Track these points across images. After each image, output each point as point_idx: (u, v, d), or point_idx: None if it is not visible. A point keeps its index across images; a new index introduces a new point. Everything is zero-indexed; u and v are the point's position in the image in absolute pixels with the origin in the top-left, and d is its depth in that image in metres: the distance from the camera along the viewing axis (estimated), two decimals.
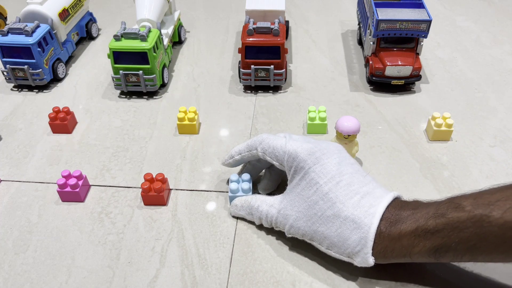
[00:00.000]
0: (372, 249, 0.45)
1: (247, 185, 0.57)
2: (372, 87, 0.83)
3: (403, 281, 0.50)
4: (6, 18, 1.06)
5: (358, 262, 0.46)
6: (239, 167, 0.64)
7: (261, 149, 0.54)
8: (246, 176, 0.59)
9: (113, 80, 0.79)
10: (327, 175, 0.48)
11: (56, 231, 0.57)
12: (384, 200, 0.47)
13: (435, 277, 0.50)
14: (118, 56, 0.77)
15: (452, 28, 1.03)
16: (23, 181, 0.65)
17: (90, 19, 1.00)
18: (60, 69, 0.86)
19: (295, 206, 0.50)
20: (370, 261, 0.45)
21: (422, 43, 0.79)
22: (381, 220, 0.45)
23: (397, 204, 0.47)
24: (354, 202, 0.46)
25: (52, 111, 0.73)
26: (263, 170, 0.62)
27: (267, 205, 0.53)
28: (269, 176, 0.60)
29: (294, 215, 0.50)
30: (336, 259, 0.49)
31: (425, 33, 0.76)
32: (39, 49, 0.80)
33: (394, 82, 0.79)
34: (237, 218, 0.58)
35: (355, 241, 0.46)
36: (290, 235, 0.52)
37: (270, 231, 0.56)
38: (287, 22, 0.97)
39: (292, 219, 0.50)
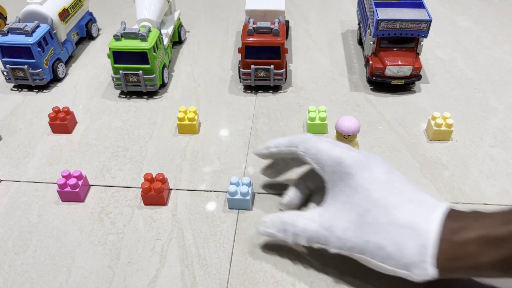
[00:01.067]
0: (434, 258, 0.40)
1: (246, 189, 0.57)
2: (372, 87, 0.83)
3: (403, 281, 0.50)
4: (6, 18, 1.06)
5: (417, 274, 0.41)
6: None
7: (303, 148, 0.51)
8: (246, 179, 0.59)
9: (113, 80, 0.79)
10: (377, 181, 0.45)
11: (56, 231, 0.57)
12: (440, 207, 0.43)
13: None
14: (118, 56, 0.77)
15: (452, 28, 1.03)
16: (23, 181, 0.65)
17: (90, 19, 1.00)
18: (60, 69, 0.86)
19: (342, 215, 0.46)
20: (431, 271, 0.40)
21: (422, 43, 0.79)
22: (441, 226, 0.41)
23: (454, 212, 0.43)
24: (409, 209, 0.43)
25: (52, 111, 0.73)
26: (289, 187, 0.58)
27: (304, 219, 0.48)
28: (296, 193, 0.57)
29: (341, 225, 0.45)
30: (336, 258, 0.48)
31: (425, 33, 0.76)
32: (39, 49, 0.80)
33: (394, 82, 0.79)
34: (237, 218, 0.58)
35: (414, 249, 0.41)
36: (336, 250, 0.46)
37: None
38: (287, 22, 0.97)
39: (339, 230, 0.45)
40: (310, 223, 0.47)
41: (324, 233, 0.46)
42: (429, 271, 0.40)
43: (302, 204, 0.58)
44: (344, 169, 0.47)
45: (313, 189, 0.58)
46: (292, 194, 0.57)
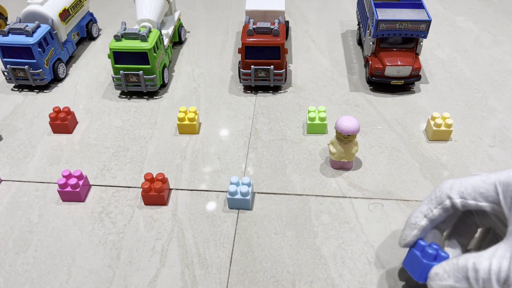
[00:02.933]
0: None
1: (246, 189, 0.57)
2: (371, 87, 0.83)
3: (403, 281, 0.50)
4: (6, 18, 1.06)
5: None
6: None
7: (457, 194, 0.42)
8: (246, 179, 0.59)
9: (114, 80, 0.79)
10: None
11: (57, 231, 0.57)
12: None
13: None
14: (118, 56, 0.77)
15: (452, 28, 1.03)
16: (24, 181, 0.65)
17: (90, 19, 1.00)
18: (61, 69, 0.87)
19: None
20: None
21: (421, 43, 0.79)
22: None
23: None
24: None
25: (52, 111, 0.73)
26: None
27: (488, 258, 0.39)
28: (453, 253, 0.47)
29: None
30: (336, 258, 0.49)
31: (424, 33, 0.77)
32: (39, 49, 0.80)
33: (393, 82, 0.79)
34: (237, 218, 0.58)
35: None
36: None
37: (268, 230, 0.56)
38: (287, 22, 0.97)
39: None
40: (501, 261, 0.38)
41: None
42: None
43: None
44: None
45: (468, 238, 0.48)
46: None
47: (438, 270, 0.42)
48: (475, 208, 0.41)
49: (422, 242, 0.44)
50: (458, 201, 0.42)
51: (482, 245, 0.47)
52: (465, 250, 0.47)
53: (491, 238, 0.47)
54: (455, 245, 0.47)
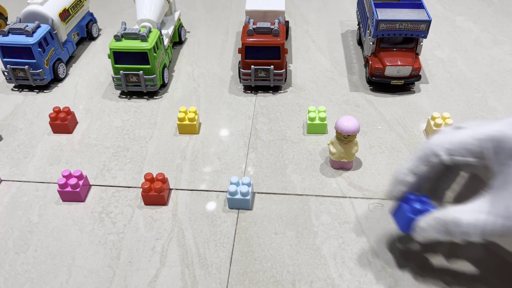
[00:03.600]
0: None
1: (246, 189, 0.57)
2: (371, 87, 0.83)
3: (403, 281, 0.50)
4: (6, 18, 1.06)
5: None
6: None
7: (445, 151, 0.42)
8: (246, 179, 0.59)
9: (114, 80, 0.79)
10: None
11: (57, 231, 0.57)
12: None
13: (435, 276, 0.50)
14: (118, 56, 0.77)
15: (452, 28, 1.03)
16: (24, 181, 0.65)
17: (90, 19, 1.00)
18: (61, 69, 0.87)
19: None
20: None
21: (421, 43, 0.79)
22: None
23: None
24: None
25: (52, 111, 0.73)
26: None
27: (469, 212, 0.41)
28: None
29: None
30: (336, 258, 0.49)
31: (424, 33, 0.77)
32: (39, 49, 0.80)
33: (393, 82, 0.79)
34: (237, 218, 0.58)
35: None
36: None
37: (268, 230, 0.56)
38: (287, 22, 0.97)
39: None
40: (480, 215, 0.40)
41: (503, 223, 0.39)
42: None
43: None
44: (511, 145, 0.39)
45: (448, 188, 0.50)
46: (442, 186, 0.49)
47: (422, 223, 0.44)
48: (463, 163, 0.42)
49: (410, 196, 0.46)
50: (446, 157, 0.42)
51: (467, 193, 0.48)
52: (444, 193, 0.49)
53: (477, 184, 0.47)
54: (436, 190, 0.48)
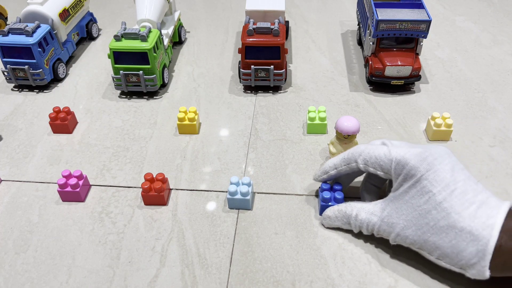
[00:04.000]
0: (490, 262, 0.43)
1: (246, 189, 0.57)
2: (371, 87, 0.83)
3: (403, 281, 0.50)
4: (6, 18, 1.06)
5: (472, 274, 0.44)
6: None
7: (362, 161, 0.52)
8: (246, 179, 0.59)
9: (114, 80, 0.79)
10: (441, 183, 0.45)
11: (57, 231, 0.57)
12: (501, 211, 0.44)
13: (435, 276, 0.50)
14: (118, 56, 0.77)
15: (452, 28, 1.03)
16: (24, 181, 0.65)
17: (90, 19, 1.00)
18: (61, 69, 0.87)
19: (402, 214, 0.48)
20: (487, 274, 0.43)
21: (421, 43, 0.79)
22: (501, 232, 0.43)
23: None
24: (470, 213, 0.44)
25: (52, 111, 0.73)
26: (361, 193, 0.59)
27: (366, 213, 0.51)
28: (368, 197, 0.58)
29: (402, 223, 0.48)
30: (336, 258, 0.49)
31: (424, 33, 0.77)
32: (39, 49, 0.80)
33: (393, 82, 0.79)
34: (237, 218, 0.58)
35: (471, 254, 0.43)
36: (395, 243, 0.50)
37: (268, 230, 0.56)
38: (287, 22, 0.97)
39: (399, 227, 0.48)
40: (372, 217, 0.51)
41: (385, 228, 0.49)
42: (485, 274, 0.43)
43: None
44: (409, 171, 0.47)
45: (379, 186, 0.58)
46: (367, 194, 0.58)
47: (329, 213, 0.55)
48: (373, 172, 0.51)
49: (324, 186, 0.57)
50: (361, 166, 0.52)
51: (386, 193, 0.57)
52: (377, 191, 0.58)
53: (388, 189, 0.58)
54: (369, 189, 0.58)
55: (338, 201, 0.56)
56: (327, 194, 0.56)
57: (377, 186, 0.58)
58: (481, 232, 0.43)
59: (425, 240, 0.46)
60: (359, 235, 0.55)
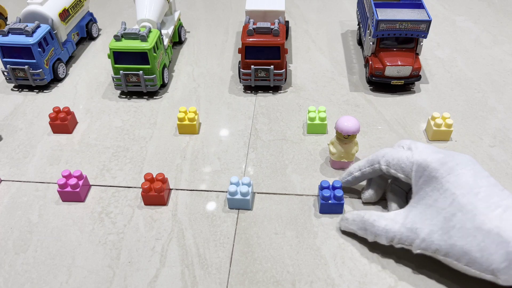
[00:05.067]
0: None
1: (246, 189, 0.57)
2: (371, 87, 0.83)
3: (403, 281, 0.50)
4: (6, 18, 1.06)
5: (504, 280, 0.42)
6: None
7: (385, 162, 0.52)
8: (246, 179, 0.59)
9: (113, 80, 0.79)
10: (464, 186, 0.45)
11: (57, 231, 0.57)
12: None
13: (435, 276, 0.50)
14: (118, 56, 0.77)
15: (452, 28, 1.03)
16: (24, 181, 0.65)
17: (90, 19, 1.00)
18: (61, 69, 0.87)
19: (427, 219, 0.47)
20: None
21: (421, 43, 0.79)
22: None
23: None
24: (497, 215, 0.43)
25: (52, 111, 0.73)
26: (371, 182, 0.59)
27: (386, 219, 0.50)
28: (375, 187, 0.58)
29: (427, 228, 0.46)
30: (336, 258, 0.49)
31: (424, 33, 0.77)
32: (39, 49, 0.80)
33: (393, 82, 0.79)
34: (237, 218, 0.58)
35: (502, 256, 0.42)
36: (419, 251, 0.48)
37: (268, 230, 0.56)
38: (287, 22, 0.97)
39: (424, 233, 0.46)
40: (393, 224, 0.49)
41: (408, 235, 0.48)
42: None
43: (380, 198, 0.59)
44: (430, 173, 0.47)
45: (405, 189, 0.58)
46: (372, 191, 0.58)
47: (348, 215, 0.54)
48: (394, 175, 0.52)
49: (323, 184, 0.57)
50: (383, 167, 0.53)
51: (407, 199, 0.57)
52: (403, 194, 0.57)
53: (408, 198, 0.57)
54: (395, 191, 0.57)
55: (337, 199, 0.56)
56: (327, 192, 0.56)
57: (402, 188, 0.57)
58: (510, 234, 0.42)
59: (451, 245, 0.45)
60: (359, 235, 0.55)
